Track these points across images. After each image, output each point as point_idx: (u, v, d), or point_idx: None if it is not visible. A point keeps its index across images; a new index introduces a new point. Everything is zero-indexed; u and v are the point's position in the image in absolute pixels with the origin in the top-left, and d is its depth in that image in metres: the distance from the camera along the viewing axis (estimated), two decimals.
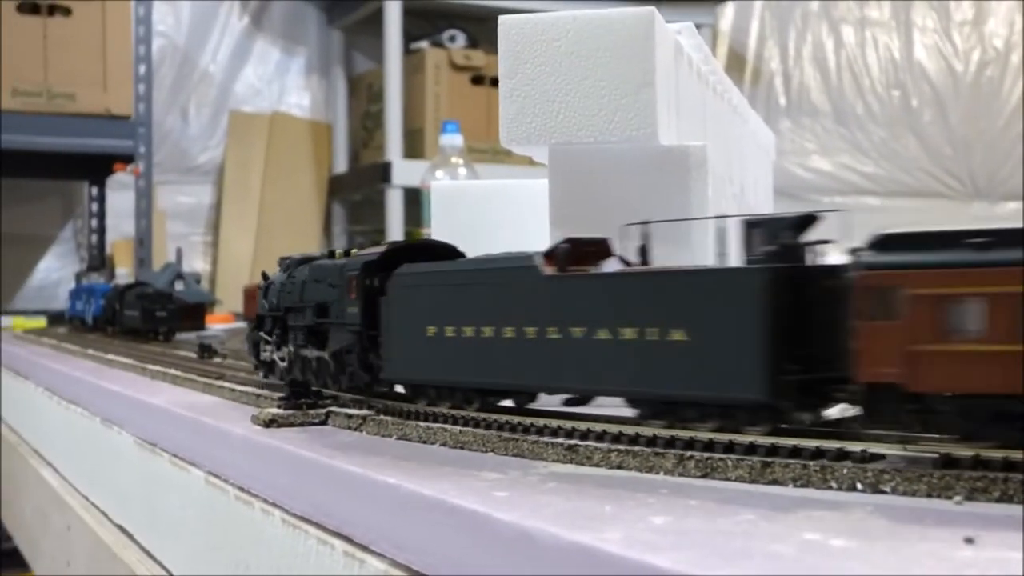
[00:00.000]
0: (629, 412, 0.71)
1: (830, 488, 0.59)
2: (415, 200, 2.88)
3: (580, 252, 0.76)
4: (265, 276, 1.10)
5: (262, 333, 1.08)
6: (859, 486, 0.58)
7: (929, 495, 0.55)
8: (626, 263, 0.74)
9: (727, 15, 5.21)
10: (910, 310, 0.56)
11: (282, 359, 1.03)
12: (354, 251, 0.96)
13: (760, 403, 0.62)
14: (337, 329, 0.93)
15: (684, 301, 0.66)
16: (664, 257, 0.78)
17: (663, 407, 0.68)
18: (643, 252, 0.75)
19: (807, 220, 0.64)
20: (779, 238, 0.65)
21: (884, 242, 0.59)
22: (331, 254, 1.00)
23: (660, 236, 0.72)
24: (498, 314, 0.77)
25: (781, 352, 0.62)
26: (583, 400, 0.77)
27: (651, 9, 0.98)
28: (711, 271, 0.68)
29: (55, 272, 4.26)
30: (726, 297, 0.64)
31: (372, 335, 0.89)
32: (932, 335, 0.56)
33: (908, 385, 0.56)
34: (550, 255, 0.76)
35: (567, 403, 0.76)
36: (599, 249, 0.77)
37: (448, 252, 0.88)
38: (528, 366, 0.75)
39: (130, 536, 1.21)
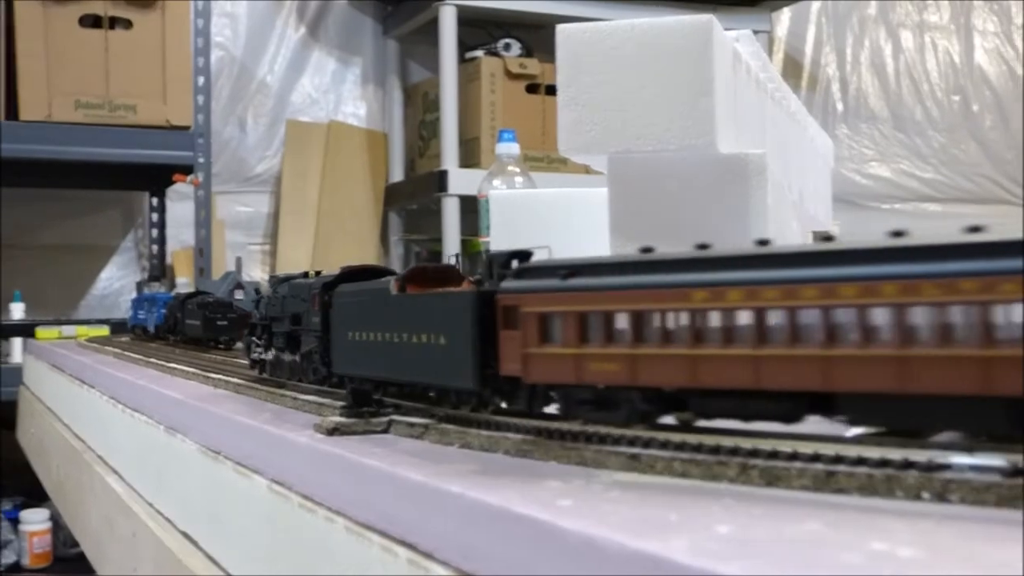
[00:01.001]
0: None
1: (896, 497, 0.58)
2: (472, 209, 2.89)
3: (427, 276, 0.96)
4: (258, 291, 1.32)
5: (253, 338, 1.36)
6: (925, 495, 0.57)
7: (998, 505, 0.55)
8: (475, 283, 0.86)
9: (783, 21, 5.18)
10: (524, 323, 0.78)
11: (268, 359, 1.30)
12: (323, 272, 1.18)
13: (472, 391, 0.84)
14: (306, 335, 1.17)
15: (442, 315, 0.86)
16: None
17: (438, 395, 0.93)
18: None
19: (517, 255, 0.82)
20: (494, 267, 0.83)
21: (518, 272, 0.81)
22: (305, 275, 1.21)
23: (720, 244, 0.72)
24: (373, 323, 0.99)
25: (482, 354, 0.81)
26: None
27: (709, 17, 0.98)
28: (449, 294, 0.88)
29: (117, 282, 4.31)
30: (456, 313, 0.84)
31: (327, 339, 1.09)
32: (537, 342, 0.77)
33: (525, 377, 0.78)
34: (397, 279, 0.96)
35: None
36: (447, 274, 0.95)
37: (383, 273, 1.05)
38: (386, 362, 0.96)
39: (195, 543, 1.23)
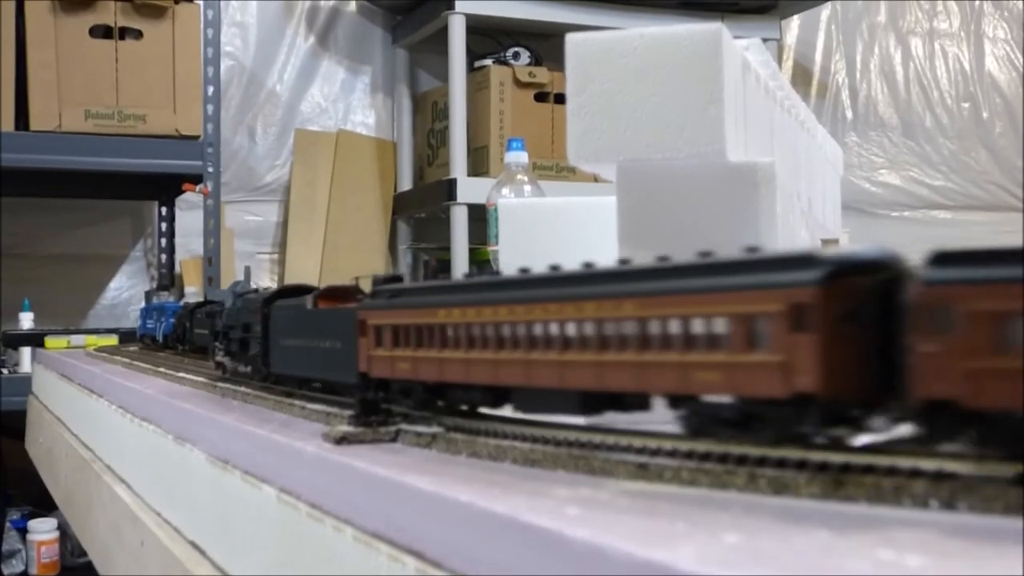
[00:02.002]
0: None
1: (904, 506, 0.58)
2: (480, 217, 2.90)
3: (335, 295, 1.15)
4: (221, 305, 1.59)
5: (217, 343, 1.57)
6: (933, 504, 0.57)
7: (1006, 513, 0.55)
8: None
9: (793, 29, 5.18)
10: (368, 332, 0.98)
11: (227, 362, 1.53)
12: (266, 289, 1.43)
13: (355, 384, 1.01)
14: (253, 341, 1.37)
15: (337, 326, 1.06)
16: None
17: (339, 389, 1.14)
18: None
19: (390, 279, 0.99)
20: (380, 286, 0.99)
21: (373, 293, 1.00)
22: (256, 291, 1.49)
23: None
24: (297, 331, 1.21)
25: (356, 355, 1.00)
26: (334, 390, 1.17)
27: (719, 26, 0.98)
28: (340, 309, 1.07)
29: (126, 291, 4.32)
30: (345, 324, 1.02)
31: (266, 344, 1.30)
32: (374, 347, 0.96)
33: (369, 373, 0.98)
34: (313, 296, 1.16)
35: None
36: (350, 292, 1.13)
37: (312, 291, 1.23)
38: (306, 363, 1.18)
39: (202, 552, 1.23)
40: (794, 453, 0.64)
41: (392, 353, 0.94)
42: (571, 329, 0.73)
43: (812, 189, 1.44)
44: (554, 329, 0.74)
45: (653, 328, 0.67)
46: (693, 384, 0.65)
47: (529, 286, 0.77)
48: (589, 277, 0.73)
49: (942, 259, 0.56)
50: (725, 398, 0.64)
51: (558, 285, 0.75)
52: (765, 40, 4.07)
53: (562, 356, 0.73)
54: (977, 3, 5.55)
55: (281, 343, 1.26)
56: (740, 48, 1.07)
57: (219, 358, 1.56)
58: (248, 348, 1.39)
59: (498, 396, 0.83)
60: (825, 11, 5.23)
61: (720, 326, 0.63)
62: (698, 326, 0.64)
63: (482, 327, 0.81)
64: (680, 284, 0.65)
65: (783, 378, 0.60)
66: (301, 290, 1.26)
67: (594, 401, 0.73)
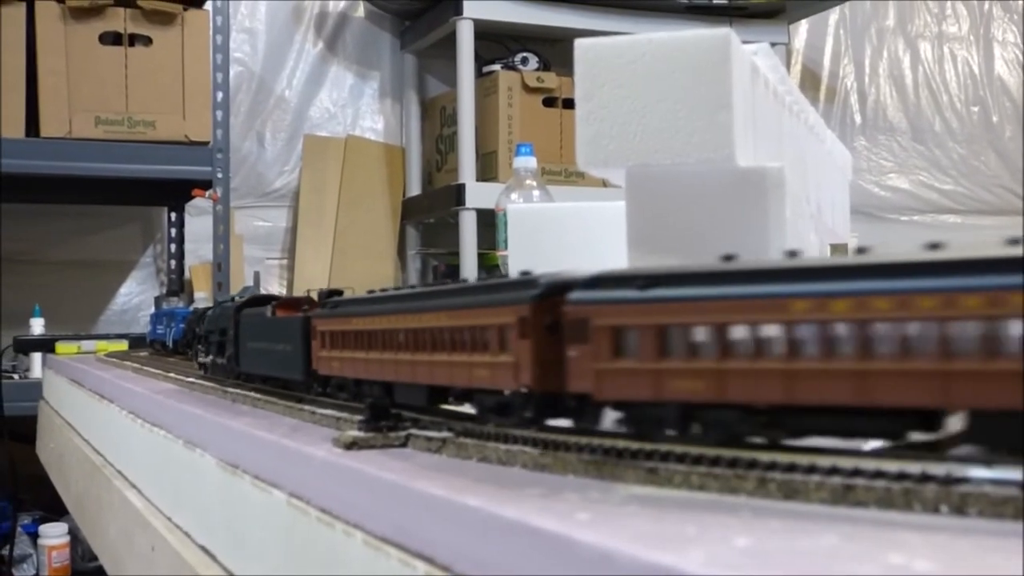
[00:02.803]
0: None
1: (914, 511, 0.58)
2: (489, 222, 2.90)
3: (291, 304, 1.32)
4: (204, 312, 1.76)
5: (199, 346, 1.75)
6: (943, 508, 0.57)
7: (1015, 517, 0.55)
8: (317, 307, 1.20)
9: (801, 33, 5.18)
10: (318, 336, 1.15)
11: (208, 362, 1.69)
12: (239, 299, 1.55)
13: (301, 381, 1.21)
14: (228, 343, 1.52)
15: (288, 331, 1.23)
16: None
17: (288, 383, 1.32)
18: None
19: (331, 292, 1.17)
20: (325, 299, 1.16)
21: (321, 304, 1.17)
22: (232, 299, 1.59)
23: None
24: (260, 335, 1.38)
25: (306, 357, 1.18)
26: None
27: (727, 31, 0.98)
28: (291, 318, 1.25)
29: (136, 296, 4.33)
30: (294, 330, 1.20)
31: (237, 346, 1.47)
32: (322, 349, 1.13)
33: (318, 370, 1.15)
34: (272, 305, 1.34)
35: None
36: (302, 302, 1.29)
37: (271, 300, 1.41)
38: (267, 363, 1.35)
39: (213, 557, 1.23)
40: (803, 458, 0.64)
41: (330, 354, 1.11)
42: (405, 336, 0.94)
43: (821, 194, 1.44)
44: (417, 334, 0.91)
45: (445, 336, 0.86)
46: (475, 378, 0.81)
47: (406, 300, 0.95)
48: (418, 296, 0.94)
49: (593, 282, 0.71)
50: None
51: (415, 300, 0.93)
52: (773, 44, 4.07)
53: (414, 356, 0.92)
54: (986, 6, 5.54)
55: (248, 345, 1.44)
56: (749, 53, 1.08)
57: (201, 359, 1.75)
58: (224, 350, 1.56)
59: (387, 390, 1.01)
60: (833, 15, 5.23)
61: (487, 333, 0.79)
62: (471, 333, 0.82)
63: (377, 333, 0.99)
64: (447, 302, 0.85)
65: (515, 375, 0.75)
66: (268, 299, 1.41)
67: (434, 395, 0.93)
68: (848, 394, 0.58)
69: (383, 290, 1.03)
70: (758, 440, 0.67)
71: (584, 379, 0.72)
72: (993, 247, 0.53)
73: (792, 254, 0.63)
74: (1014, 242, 0.53)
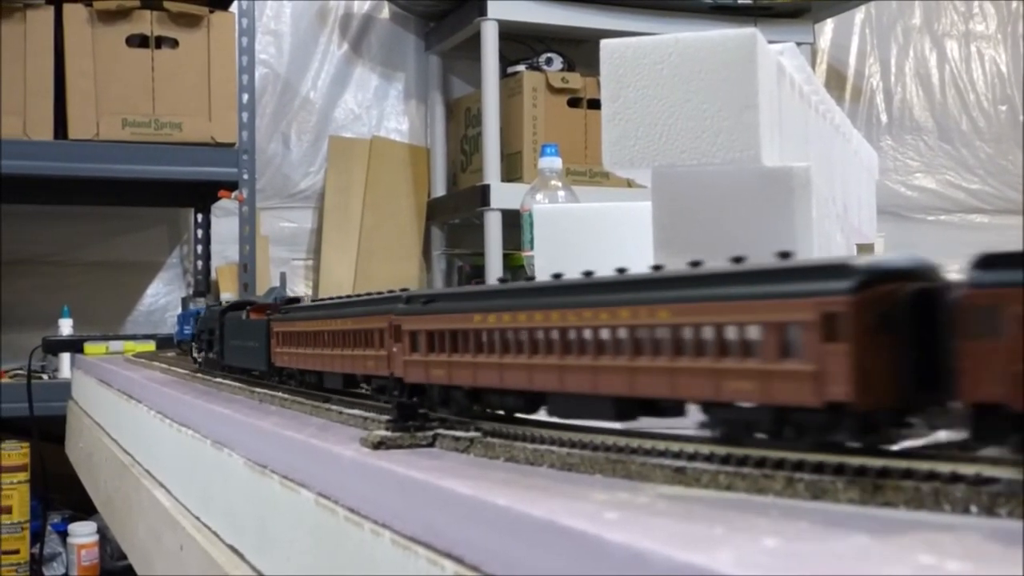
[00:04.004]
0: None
1: (943, 511, 0.58)
2: (514, 223, 2.90)
3: (262, 309, 1.53)
4: (199, 314, 1.98)
5: (194, 343, 1.99)
6: (973, 509, 0.57)
7: None
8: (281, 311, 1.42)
9: (827, 33, 5.16)
10: (275, 336, 1.41)
11: (200, 358, 1.91)
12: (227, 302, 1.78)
13: (265, 371, 1.44)
14: (215, 341, 1.74)
15: (256, 331, 1.46)
16: None
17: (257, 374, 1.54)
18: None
19: (291, 300, 1.46)
20: (285, 305, 1.42)
21: (283, 310, 1.41)
22: (219, 302, 1.85)
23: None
24: (239, 335, 1.60)
25: (268, 352, 1.41)
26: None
27: (753, 31, 0.98)
28: (258, 320, 1.47)
29: (163, 297, 4.36)
30: (260, 330, 1.43)
31: (222, 344, 1.69)
32: (280, 346, 1.40)
33: (275, 363, 1.42)
34: (247, 309, 1.58)
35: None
36: (270, 307, 1.48)
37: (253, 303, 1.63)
38: (243, 357, 1.58)
39: (241, 556, 1.23)
40: (831, 458, 0.64)
41: (283, 350, 1.36)
42: (329, 335, 1.22)
43: (847, 194, 1.44)
44: (335, 335, 1.16)
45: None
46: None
47: (331, 308, 1.17)
48: (338, 305, 1.18)
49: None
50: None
51: (335, 308, 1.18)
52: (799, 44, 4.05)
53: (332, 351, 1.17)
54: (1014, 5, 5.51)
55: (230, 343, 1.66)
56: (775, 53, 1.07)
57: (194, 355, 2.02)
58: (212, 346, 1.79)
59: (319, 377, 1.27)
60: (859, 14, 5.21)
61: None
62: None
63: (311, 333, 1.23)
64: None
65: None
66: (245, 304, 1.64)
67: (346, 381, 1.17)
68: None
69: (329, 298, 1.27)
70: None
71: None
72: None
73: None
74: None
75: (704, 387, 0.65)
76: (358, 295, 1.12)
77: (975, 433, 0.57)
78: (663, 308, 0.68)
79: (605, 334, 0.72)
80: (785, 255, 0.63)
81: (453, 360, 0.89)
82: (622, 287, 0.72)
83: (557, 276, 0.79)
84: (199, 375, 1.86)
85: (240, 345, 1.58)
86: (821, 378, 0.59)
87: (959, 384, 0.55)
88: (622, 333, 0.71)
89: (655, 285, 0.69)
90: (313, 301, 1.32)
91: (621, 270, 0.74)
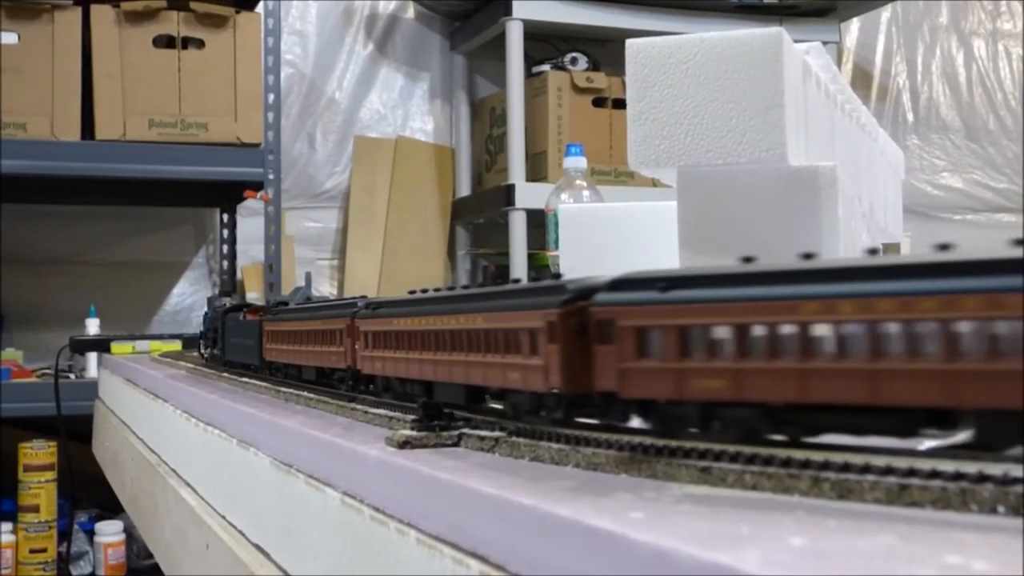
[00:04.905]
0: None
1: (970, 511, 0.58)
2: (539, 223, 2.90)
3: (255, 310, 1.72)
4: (208, 316, 2.16)
5: (202, 340, 2.18)
6: (1001, 509, 0.57)
7: None
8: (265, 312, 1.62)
9: (852, 32, 5.14)
10: (266, 334, 1.56)
11: (207, 353, 2.11)
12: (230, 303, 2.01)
13: (258, 365, 1.59)
14: (219, 339, 1.93)
15: (250, 331, 1.63)
16: None
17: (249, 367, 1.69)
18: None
19: (280, 302, 1.60)
20: (274, 306, 1.60)
21: (274, 312, 1.56)
22: (223, 304, 2.00)
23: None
24: (237, 333, 1.76)
25: (261, 349, 1.56)
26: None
27: (779, 30, 0.98)
28: (251, 321, 1.65)
29: (188, 297, 4.38)
30: (254, 329, 1.60)
31: (224, 341, 1.87)
32: (270, 343, 1.55)
33: (265, 357, 1.58)
34: (244, 311, 1.75)
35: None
36: (264, 309, 1.66)
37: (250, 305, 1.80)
38: (239, 352, 1.73)
39: (267, 555, 1.24)
40: (857, 457, 0.64)
41: (272, 346, 1.52)
42: (308, 335, 1.36)
43: (873, 193, 1.43)
44: (318, 334, 1.32)
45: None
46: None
47: (316, 310, 1.33)
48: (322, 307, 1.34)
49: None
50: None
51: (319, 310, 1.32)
52: (825, 43, 4.04)
53: (309, 348, 1.38)
54: None
55: (230, 340, 1.83)
56: (800, 52, 1.07)
57: (201, 351, 2.21)
58: (216, 343, 1.98)
59: (298, 370, 1.44)
60: (885, 13, 5.18)
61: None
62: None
63: (295, 332, 1.41)
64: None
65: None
66: (243, 306, 1.83)
67: (320, 374, 1.35)
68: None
69: (307, 301, 1.49)
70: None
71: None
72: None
73: (807, 256, 0.64)
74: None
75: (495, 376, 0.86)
76: (326, 300, 1.45)
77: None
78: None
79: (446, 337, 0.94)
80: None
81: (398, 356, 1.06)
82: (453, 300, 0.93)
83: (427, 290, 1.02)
84: (202, 368, 2.07)
85: (238, 343, 1.75)
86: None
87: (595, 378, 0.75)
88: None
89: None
90: (296, 305, 1.54)
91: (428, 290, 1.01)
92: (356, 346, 1.15)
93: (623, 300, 0.72)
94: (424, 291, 1.01)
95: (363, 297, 1.15)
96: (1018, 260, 0.52)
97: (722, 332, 0.66)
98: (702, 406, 0.69)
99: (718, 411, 0.69)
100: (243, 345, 1.70)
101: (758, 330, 0.64)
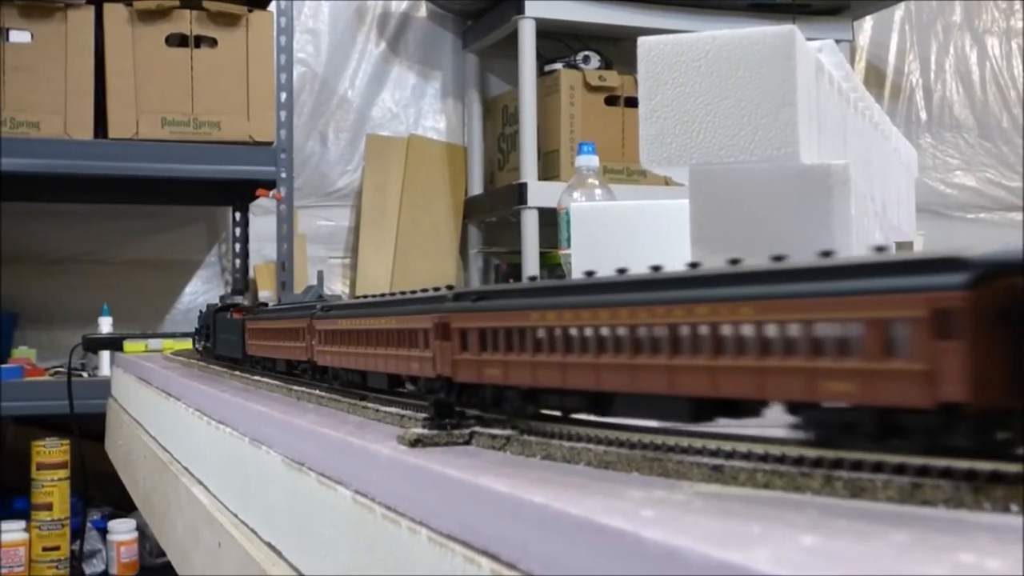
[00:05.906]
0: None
1: (983, 510, 0.57)
2: (551, 221, 2.90)
3: (243, 310, 1.83)
4: (203, 314, 2.31)
5: (197, 335, 2.34)
6: (1014, 508, 0.57)
7: None
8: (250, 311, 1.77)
9: (865, 30, 5.12)
10: (248, 332, 1.75)
11: (202, 348, 2.26)
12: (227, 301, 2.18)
13: (240, 359, 1.77)
14: (211, 335, 2.09)
15: (235, 328, 1.78)
16: None
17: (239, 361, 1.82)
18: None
19: (261, 304, 1.76)
20: (255, 307, 1.78)
21: (254, 312, 1.74)
22: (219, 303, 2.20)
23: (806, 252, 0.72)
24: (226, 330, 1.90)
25: (243, 343, 1.72)
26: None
27: (791, 28, 0.98)
28: (236, 319, 1.81)
29: (201, 296, 4.38)
30: (238, 327, 1.75)
31: (215, 337, 2.02)
32: (251, 340, 1.75)
33: (247, 352, 1.77)
34: (233, 310, 1.89)
35: None
36: (248, 309, 1.81)
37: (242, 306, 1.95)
38: (228, 347, 1.88)
39: (279, 553, 1.24)
40: (870, 456, 0.64)
41: (252, 342, 1.68)
42: (284, 331, 1.58)
43: (886, 191, 1.43)
44: (288, 331, 1.51)
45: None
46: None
47: (287, 310, 1.51)
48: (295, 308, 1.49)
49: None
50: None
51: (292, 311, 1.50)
52: (838, 41, 4.03)
53: (280, 343, 1.56)
54: None
55: (220, 336, 1.99)
56: (813, 50, 1.07)
57: (197, 346, 2.39)
58: (208, 339, 2.16)
59: (272, 362, 1.63)
60: (898, 11, 5.17)
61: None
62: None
63: (271, 329, 1.55)
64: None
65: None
66: (231, 306, 1.98)
67: (289, 366, 1.47)
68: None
69: (288, 302, 1.62)
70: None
71: None
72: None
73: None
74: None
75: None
76: (299, 302, 1.65)
77: None
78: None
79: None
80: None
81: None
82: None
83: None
84: (196, 361, 2.29)
85: (226, 338, 1.93)
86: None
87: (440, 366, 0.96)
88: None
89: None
90: (276, 304, 1.73)
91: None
92: (314, 342, 1.34)
93: (456, 308, 0.91)
94: (365, 297, 1.21)
95: (321, 298, 1.49)
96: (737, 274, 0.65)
97: (503, 333, 0.84)
98: (492, 388, 0.89)
99: (504, 393, 0.89)
100: (230, 341, 1.88)
101: (528, 332, 0.81)
